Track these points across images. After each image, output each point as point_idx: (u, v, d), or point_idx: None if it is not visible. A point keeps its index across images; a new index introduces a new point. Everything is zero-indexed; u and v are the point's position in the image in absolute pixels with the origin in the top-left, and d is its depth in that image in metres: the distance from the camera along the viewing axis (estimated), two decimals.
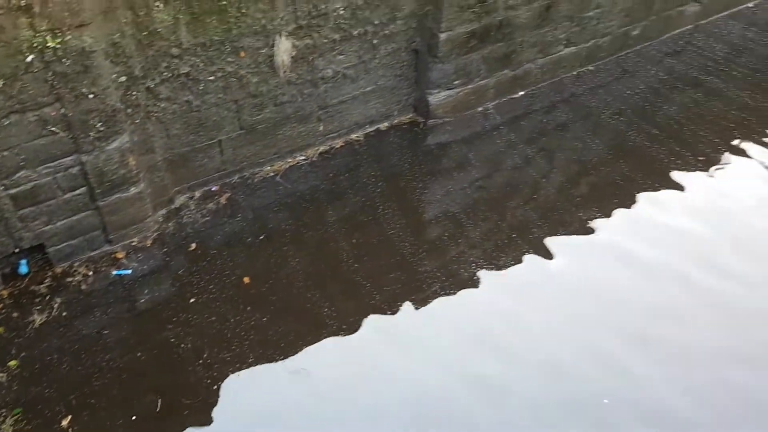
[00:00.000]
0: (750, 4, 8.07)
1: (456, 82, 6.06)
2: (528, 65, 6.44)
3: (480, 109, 6.44)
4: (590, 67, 6.99)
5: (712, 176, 5.81)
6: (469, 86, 6.17)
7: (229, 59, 4.87)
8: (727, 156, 6.03)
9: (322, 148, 5.92)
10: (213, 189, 5.51)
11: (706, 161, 5.96)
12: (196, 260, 4.97)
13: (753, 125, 6.34)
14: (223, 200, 5.43)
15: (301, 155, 5.84)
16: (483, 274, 4.91)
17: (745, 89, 6.80)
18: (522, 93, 6.65)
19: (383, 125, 6.21)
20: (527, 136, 6.21)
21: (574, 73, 6.91)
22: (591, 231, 5.28)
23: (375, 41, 5.51)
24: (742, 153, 6.07)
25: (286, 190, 5.57)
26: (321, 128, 5.78)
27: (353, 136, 6.06)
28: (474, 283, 4.86)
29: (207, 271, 4.89)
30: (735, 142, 6.17)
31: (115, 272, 4.84)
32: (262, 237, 5.16)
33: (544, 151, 6.05)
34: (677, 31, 7.48)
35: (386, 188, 5.61)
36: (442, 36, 5.61)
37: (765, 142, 6.16)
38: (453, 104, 6.20)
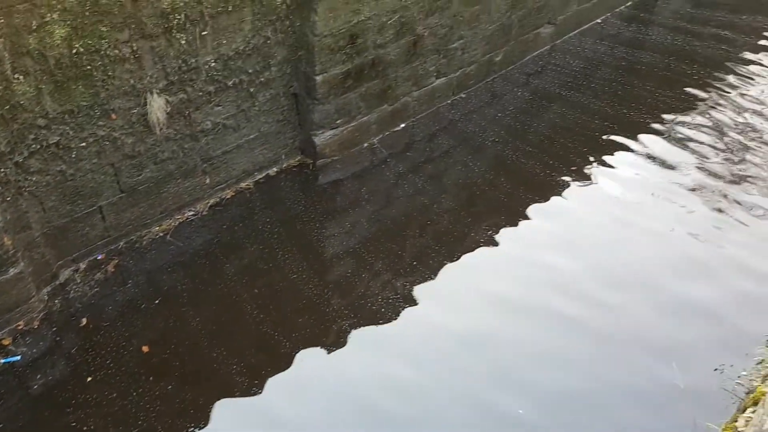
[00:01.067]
0: (599, 20, 8.67)
1: (339, 121, 6.07)
2: (405, 98, 6.57)
3: (366, 144, 6.49)
4: (462, 95, 7.23)
5: (584, 185, 6.10)
6: (352, 124, 6.20)
7: (101, 123, 4.63)
8: (595, 163, 6.37)
9: (211, 201, 5.72)
10: (99, 258, 5.17)
11: (577, 170, 6.26)
12: (89, 336, 4.61)
13: (616, 132, 6.75)
14: (111, 268, 5.11)
15: (190, 210, 5.61)
16: (390, 307, 4.88)
17: (604, 99, 7.25)
18: (403, 125, 6.77)
19: (272, 171, 6.10)
20: (414, 166, 6.30)
21: (449, 101, 7.12)
22: (483, 248, 5.38)
23: (252, 89, 5.43)
24: (608, 157, 6.43)
25: (178, 248, 5.32)
26: (208, 181, 5.60)
27: (243, 184, 5.91)
28: (383, 316, 4.81)
29: (102, 345, 4.55)
30: (602, 150, 6.53)
31: (2, 360, 4.41)
32: (157, 301, 4.88)
33: (432, 178, 6.15)
34: (536, 52, 7.91)
35: (283, 233, 5.49)
36: (318, 78, 5.61)
37: (628, 147, 6.56)
38: (339, 142, 6.20)
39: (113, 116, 4.67)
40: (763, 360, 3.46)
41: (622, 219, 5.71)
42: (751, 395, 3.68)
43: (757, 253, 5.31)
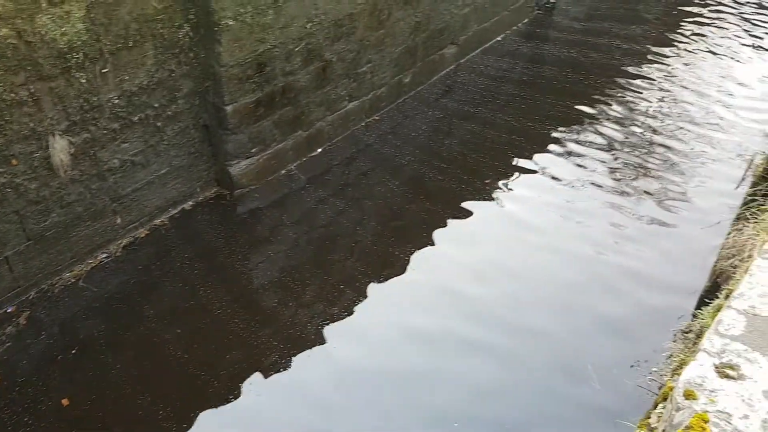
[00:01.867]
0: (499, 38, 8.96)
1: (253, 150, 5.96)
2: (319, 123, 6.54)
3: (283, 171, 6.39)
4: (376, 117, 7.27)
5: (496, 202, 6.21)
6: (268, 152, 6.11)
7: (1, 170, 4.35)
8: (508, 174, 6.53)
9: (125, 241, 5.46)
10: (9, 310, 4.82)
11: (491, 183, 6.39)
12: (3, 393, 4.27)
13: (522, 144, 6.95)
14: (22, 320, 4.77)
15: (103, 253, 5.34)
16: (320, 333, 4.78)
17: (509, 114, 7.47)
18: (320, 150, 6.72)
19: (188, 205, 5.90)
20: (334, 190, 6.25)
21: (363, 124, 7.14)
22: (408, 269, 5.38)
23: (159, 124, 5.26)
24: (519, 168, 6.61)
25: (93, 293, 5.04)
26: (119, 221, 5.35)
27: (157, 221, 5.68)
28: (313, 343, 4.70)
29: (18, 402, 4.22)
30: (512, 162, 6.70)
31: None
32: (74, 351, 4.58)
33: (352, 201, 6.12)
34: (443, 72, 8.07)
35: (204, 268, 5.30)
36: (228, 108, 5.50)
37: (535, 158, 6.76)
38: (256, 171, 6.08)
39: (14, 162, 4.40)
40: (671, 354, 3.57)
41: (528, 238, 5.72)
42: (662, 390, 3.78)
43: (652, 263, 5.42)
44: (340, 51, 6.30)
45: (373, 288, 5.17)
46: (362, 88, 6.85)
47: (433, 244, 5.57)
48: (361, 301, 5.05)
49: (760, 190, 3.67)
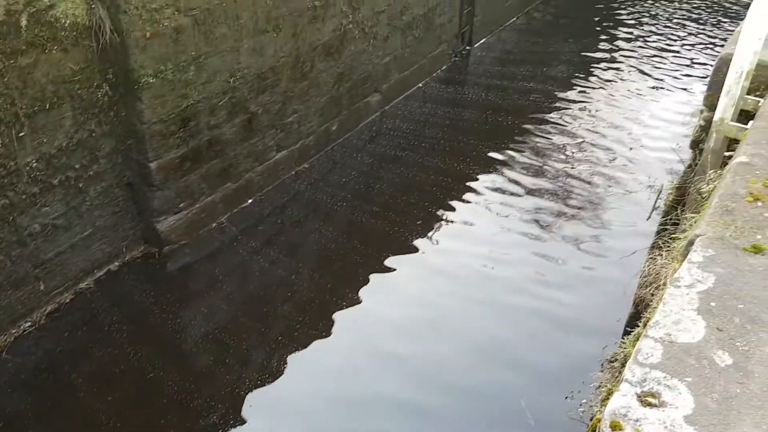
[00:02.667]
0: (420, 85, 9.19)
1: (181, 205, 5.84)
2: (248, 175, 6.49)
3: (214, 224, 6.28)
4: (306, 165, 7.28)
5: (425, 248, 6.28)
6: (196, 206, 6.00)
7: None
8: (438, 215, 6.63)
9: (49, 308, 5.20)
10: None
11: (422, 224, 6.47)
12: None
13: (450, 184, 7.09)
14: None
15: (27, 321, 5.06)
16: (257, 392, 4.65)
17: (435, 156, 7.62)
18: (251, 201, 6.66)
19: (114, 266, 5.70)
20: (267, 240, 6.18)
21: (293, 173, 7.13)
22: (347, 314, 5.35)
23: (81, 185, 5.10)
24: (449, 208, 6.73)
25: (17, 365, 4.75)
26: (42, 287, 5.10)
27: (83, 285, 5.45)
28: (251, 400, 4.57)
29: None
30: (441, 203, 6.82)
31: None
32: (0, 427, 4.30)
33: (287, 250, 6.06)
34: (369, 119, 8.20)
35: (134, 330, 5.10)
36: (153, 165, 5.40)
37: (463, 197, 6.90)
38: (185, 226, 5.95)
39: None
40: (600, 384, 3.63)
41: (453, 290, 5.67)
42: (591, 422, 3.84)
43: (576, 299, 5.50)
44: (266, 103, 6.31)
45: (310, 336, 5.09)
46: (290, 138, 6.87)
47: (364, 296, 5.53)
48: (297, 350, 4.96)
49: (670, 219, 3.86)
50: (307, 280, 5.69)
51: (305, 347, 5.00)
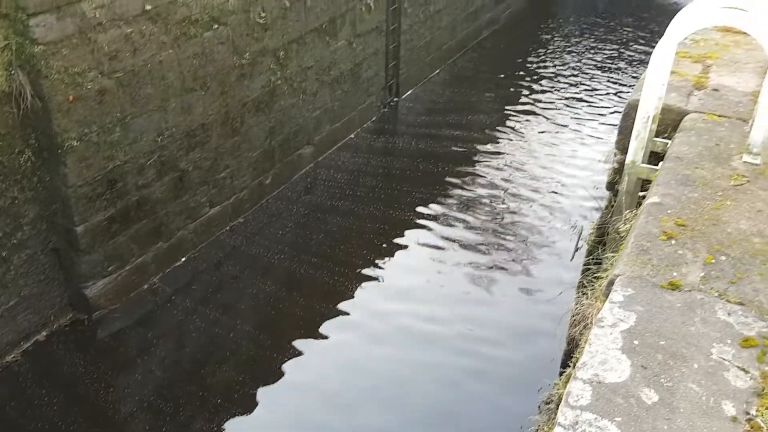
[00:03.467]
0: (352, 136, 9.26)
1: (110, 269, 5.64)
2: (181, 232, 6.34)
3: (146, 286, 6.07)
4: (240, 219, 7.18)
5: (368, 286, 6.28)
6: (126, 268, 5.80)
7: None
8: (376, 263, 6.64)
9: None
10: None
11: (361, 272, 6.45)
12: None
13: (386, 231, 7.13)
14: None
15: None
16: None
17: (371, 204, 7.66)
18: (184, 259, 6.49)
19: (42, 336, 5.41)
20: (203, 298, 6.02)
21: (228, 228, 7.01)
22: (290, 374, 5.22)
23: (4, 254, 4.86)
24: (386, 255, 6.74)
25: None
26: None
27: (8, 358, 5.15)
28: None
29: None
30: (379, 250, 6.83)
31: None
32: None
33: (224, 308, 5.91)
34: (303, 171, 8.18)
35: (64, 402, 4.82)
36: (80, 229, 5.21)
37: (400, 244, 6.94)
38: (115, 290, 5.73)
39: None
40: (538, 428, 3.65)
41: (386, 353, 5.59)
42: None
43: (508, 347, 5.56)
44: (196, 160, 6.23)
45: (250, 397, 4.93)
46: (223, 193, 6.77)
47: (306, 351, 5.44)
48: (237, 413, 4.79)
49: (592, 258, 3.98)
50: (246, 339, 5.55)
51: (246, 411, 4.84)
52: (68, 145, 4.91)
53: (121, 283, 5.77)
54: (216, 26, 5.96)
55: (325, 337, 5.64)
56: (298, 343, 5.49)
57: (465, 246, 6.89)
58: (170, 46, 5.55)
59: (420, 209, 7.55)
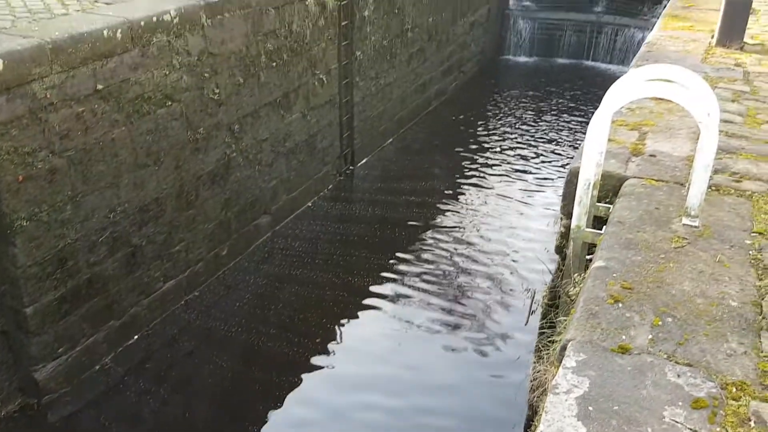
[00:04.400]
0: (309, 204, 9.27)
1: (61, 350, 5.41)
2: (133, 309, 6.15)
3: (98, 367, 5.83)
4: (196, 293, 7.02)
5: (329, 356, 6.17)
6: (77, 348, 5.57)
7: None
8: (335, 332, 6.55)
9: None
10: None
11: (321, 342, 6.34)
12: None
13: (346, 299, 7.07)
14: None
15: None
16: None
17: (329, 271, 7.61)
18: (137, 336, 6.27)
19: None
20: (157, 377, 5.80)
21: (183, 302, 6.84)
22: None
23: None
24: (346, 323, 6.66)
25: None
26: None
27: None
28: None
29: None
30: (339, 319, 6.75)
31: None
32: None
33: (179, 386, 5.70)
34: (260, 240, 8.12)
35: None
36: (29, 310, 5.02)
37: (359, 312, 6.88)
38: (65, 372, 5.48)
39: None
40: None
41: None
42: None
43: (479, 416, 5.53)
44: (149, 234, 6.13)
45: None
46: (177, 267, 6.64)
47: (275, 408, 5.27)
48: None
49: (546, 322, 4.01)
50: (203, 418, 5.35)
51: None
52: (18, 225, 4.78)
53: (71, 365, 5.52)
54: (169, 103, 5.99)
55: (285, 412, 5.46)
56: (257, 419, 5.31)
57: (422, 311, 6.87)
58: (123, 123, 5.54)
59: (378, 275, 7.53)
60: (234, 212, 7.37)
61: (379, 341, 6.42)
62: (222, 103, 6.69)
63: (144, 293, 6.24)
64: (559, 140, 11.35)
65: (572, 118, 12.20)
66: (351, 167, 10.02)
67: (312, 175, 8.88)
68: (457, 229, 8.62)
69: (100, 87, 5.26)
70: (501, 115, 12.49)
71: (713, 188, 3.84)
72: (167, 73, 5.89)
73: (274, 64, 7.44)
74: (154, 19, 5.65)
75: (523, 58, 15.11)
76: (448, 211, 9.10)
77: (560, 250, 4.21)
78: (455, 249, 8.11)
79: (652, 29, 7.19)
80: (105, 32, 5.23)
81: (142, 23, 5.55)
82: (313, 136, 8.66)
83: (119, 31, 5.34)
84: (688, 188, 3.56)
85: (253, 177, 7.55)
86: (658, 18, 7.94)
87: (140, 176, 5.86)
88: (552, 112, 12.46)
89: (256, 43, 7.02)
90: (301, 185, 8.66)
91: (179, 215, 6.48)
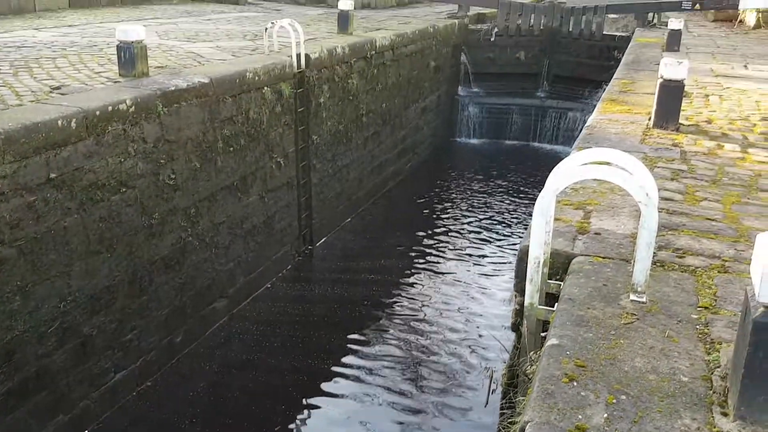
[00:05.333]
0: (268, 285, 9.13)
1: None
2: (83, 402, 5.85)
3: None
4: (149, 383, 6.72)
5: None
6: None
7: None
8: (294, 420, 6.31)
9: None
10: None
11: (280, 431, 6.10)
12: None
13: (305, 384, 6.86)
14: None
15: None
16: None
17: (288, 355, 7.42)
18: (87, 431, 5.92)
19: None
20: None
21: (135, 393, 6.53)
22: None
23: None
24: (305, 408, 6.44)
25: None
26: None
27: None
28: None
29: None
30: (298, 404, 6.52)
31: None
32: None
33: None
34: (216, 325, 7.90)
35: None
36: None
37: (319, 397, 6.67)
38: None
39: None
40: None
41: None
42: None
43: None
44: (100, 323, 5.90)
45: None
46: (129, 356, 6.37)
47: None
48: None
49: (506, 402, 3.95)
50: None
51: None
52: None
53: None
54: (124, 189, 5.94)
55: None
56: None
57: (383, 393, 6.72)
58: (75, 211, 5.44)
59: (337, 358, 7.37)
60: (189, 297, 7.20)
61: (339, 426, 6.21)
62: (178, 188, 6.66)
63: (94, 385, 5.95)
64: (511, 219, 11.61)
65: (522, 196, 12.53)
66: (310, 247, 9.99)
67: (270, 256, 8.81)
68: (416, 308, 8.58)
69: (53, 176, 5.19)
70: (455, 194, 12.77)
71: (658, 264, 3.93)
72: (122, 160, 5.87)
73: (231, 149, 7.49)
74: (110, 108, 5.67)
75: (473, 140, 15.62)
76: (407, 289, 9.09)
77: (516, 327, 4.20)
78: (415, 328, 8.04)
79: (593, 112, 7.54)
80: (59, 122, 5.21)
81: (98, 112, 5.56)
82: (271, 218, 8.65)
83: (74, 120, 5.33)
84: (634, 265, 3.64)
85: (210, 260, 7.44)
86: (598, 101, 8.34)
87: (92, 264, 5.71)
88: (503, 192, 12.80)
89: (213, 129, 7.09)
90: (259, 266, 8.56)
91: (132, 302, 6.29)
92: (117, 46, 6.80)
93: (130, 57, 6.71)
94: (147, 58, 6.96)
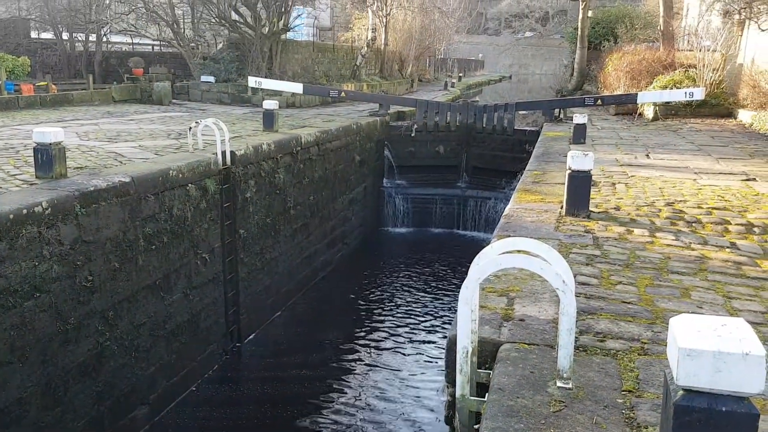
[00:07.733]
0: (193, 388, 8.62)
1: None
2: None
3: None
4: None
5: None
6: None
7: None
8: None
9: None
10: None
11: None
12: None
13: None
14: None
15: None
16: None
17: None
18: None
19: None
20: None
21: None
22: None
23: None
24: None
25: None
26: None
27: None
28: None
29: None
30: None
31: None
32: None
33: None
34: None
35: None
36: None
37: None
38: None
39: None
40: None
41: None
42: None
43: None
44: None
45: None
46: None
47: None
48: None
49: None
50: None
51: None
52: None
53: None
54: (38, 294, 5.57)
55: None
56: None
57: None
58: None
59: None
60: (107, 406, 6.68)
61: None
62: (95, 290, 6.32)
63: None
64: (440, 306, 11.64)
65: (450, 283, 12.66)
66: (238, 344, 9.61)
67: (195, 356, 8.38)
68: (349, 403, 8.30)
69: None
70: (385, 283, 12.75)
71: (581, 349, 3.98)
72: (36, 264, 5.54)
73: (154, 246, 7.25)
74: (24, 211, 5.41)
75: (400, 229, 15.86)
76: (340, 384, 8.81)
77: (450, 420, 4.09)
78: (349, 424, 7.74)
79: (510, 201, 7.81)
80: None
81: (11, 216, 5.28)
82: (196, 315, 8.30)
83: None
84: (558, 351, 3.66)
85: (129, 365, 6.98)
86: (513, 191, 8.68)
87: (2, 375, 5.23)
88: (431, 279, 12.90)
89: (134, 228, 6.86)
90: (184, 369, 8.11)
91: (45, 415, 5.76)
92: (34, 148, 6.59)
93: (47, 159, 6.50)
94: (65, 159, 6.76)
